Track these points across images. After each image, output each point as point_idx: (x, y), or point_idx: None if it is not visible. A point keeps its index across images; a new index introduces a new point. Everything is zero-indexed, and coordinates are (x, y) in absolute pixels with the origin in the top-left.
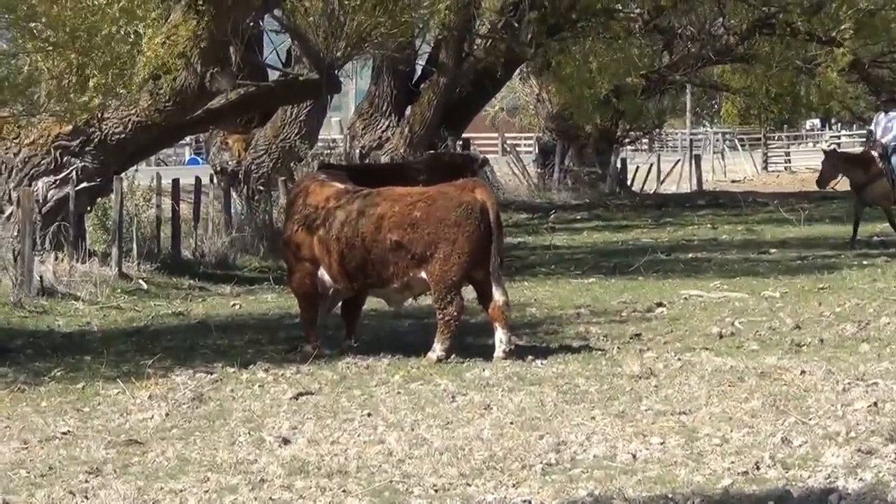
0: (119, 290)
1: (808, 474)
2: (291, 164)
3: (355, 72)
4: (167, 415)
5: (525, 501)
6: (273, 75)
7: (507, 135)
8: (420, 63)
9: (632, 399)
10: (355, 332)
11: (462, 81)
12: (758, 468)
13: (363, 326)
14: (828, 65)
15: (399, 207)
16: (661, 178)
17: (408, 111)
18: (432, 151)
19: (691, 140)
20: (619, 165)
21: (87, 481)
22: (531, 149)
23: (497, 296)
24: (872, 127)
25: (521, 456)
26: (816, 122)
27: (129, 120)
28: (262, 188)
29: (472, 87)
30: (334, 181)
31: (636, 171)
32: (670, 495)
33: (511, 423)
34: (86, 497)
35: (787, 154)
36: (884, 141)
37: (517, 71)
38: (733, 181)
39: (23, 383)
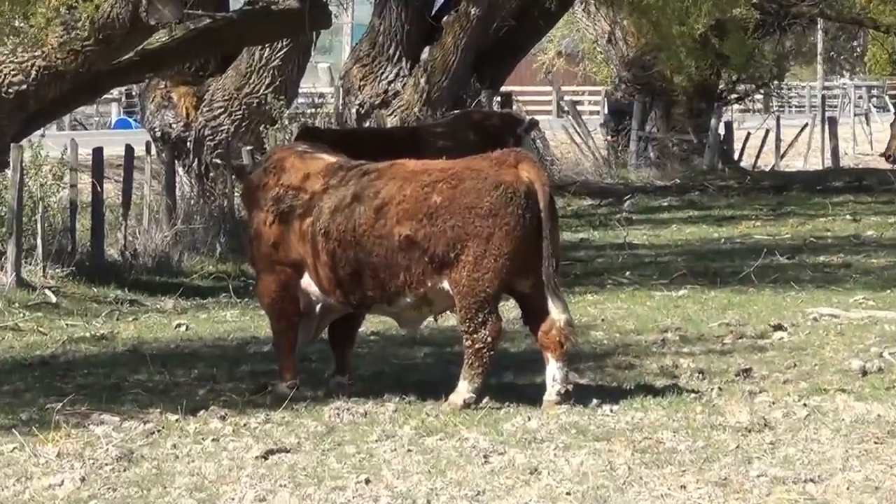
0: (17, 304)
1: None
2: (261, 129)
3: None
4: (83, 480)
5: None
6: (236, 3)
7: (564, 88)
8: None
9: (738, 461)
10: (348, 365)
11: (501, 12)
12: None
13: (360, 357)
14: None
15: (411, 190)
16: (782, 151)
17: (425, 54)
18: (459, 111)
19: (824, 97)
20: (722, 132)
21: None
22: (598, 108)
23: (555, 314)
24: None
25: None
26: None
27: (33, 65)
28: (219, 161)
29: (515, 22)
30: (320, 153)
31: (746, 139)
32: None
33: (567, 493)
34: None
35: None
36: None
37: None
38: (883, 155)
39: None
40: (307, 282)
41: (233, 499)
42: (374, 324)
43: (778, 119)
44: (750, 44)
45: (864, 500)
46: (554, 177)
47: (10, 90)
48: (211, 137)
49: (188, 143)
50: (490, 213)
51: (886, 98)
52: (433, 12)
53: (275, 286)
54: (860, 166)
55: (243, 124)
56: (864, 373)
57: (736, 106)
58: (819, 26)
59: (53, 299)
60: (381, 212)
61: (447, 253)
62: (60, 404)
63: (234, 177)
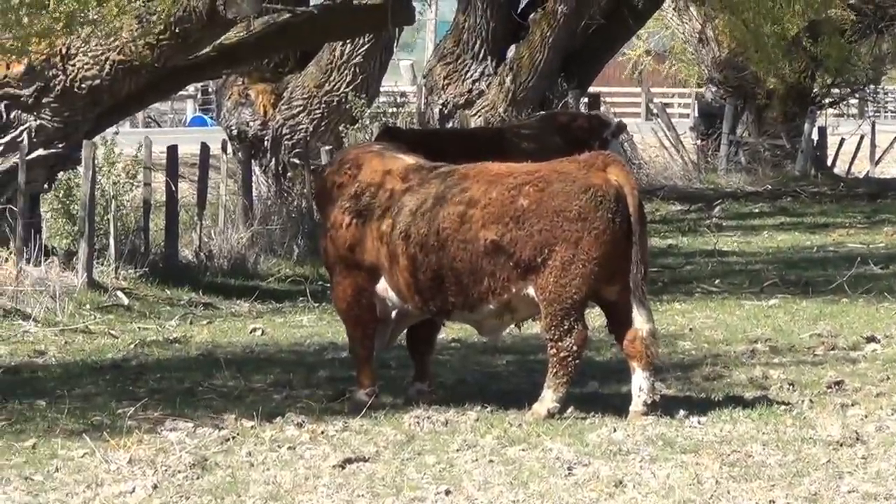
0: (88, 306)
1: None
2: (341, 128)
3: None
4: (155, 487)
5: None
6: None
7: (653, 90)
8: None
9: (829, 476)
10: (428, 372)
11: (590, 10)
12: None
13: (440, 365)
14: None
15: (497, 193)
16: (877, 157)
17: (510, 53)
18: (545, 112)
19: None
20: (815, 137)
21: None
22: (689, 111)
23: (639, 323)
24: None
25: None
26: None
27: (107, 59)
28: (297, 161)
29: (604, 20)
30: (399, 153)
31: (840, 145)
32: None
33: None
34: None
35: None
36: None
37: None
38: None
39: None
40: (384, 287)
41: None
42: (454, 331)
43: (873, 124)
44: (845, 46)
45: None
46: (642, 181)
47: (84, 85)
48: (289, 136)
49: (265, 142)
50: (579, 217)
51: None
52: (519, 9)
53: (351, 291)
54: None
55: (322, 123)
56: None
57: (830, 110)
58: None
59: (125, 301)
60: (465, 215)
61: (534, 258)
62: (132, 409)
63: (312, 177)
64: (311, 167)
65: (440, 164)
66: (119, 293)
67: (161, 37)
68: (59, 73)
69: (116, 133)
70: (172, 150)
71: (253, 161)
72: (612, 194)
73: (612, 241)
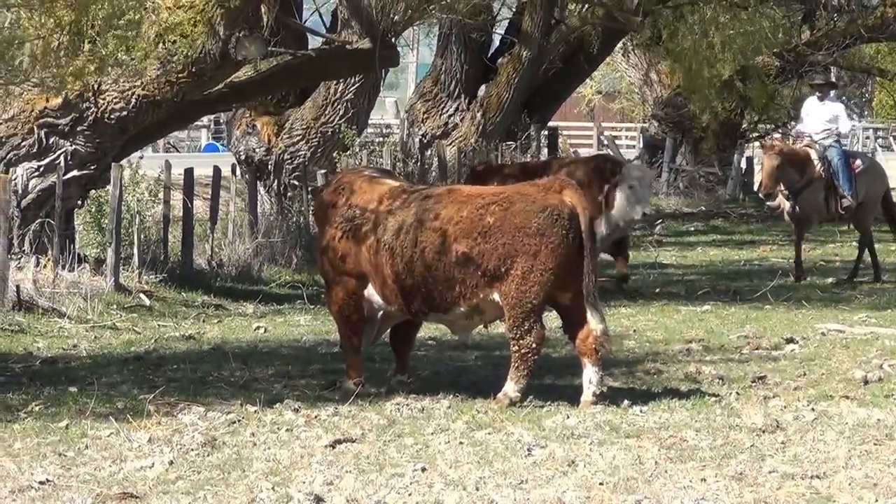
0: (115, 306)
1: None
2: (335, 155)
3: (417, 41)
4: (171, 463)
5: None
6: (314, 42)
7: (604, 125)
8: (498, 32)
9: (753, 458)
10: (408, 366)
11: (550, 56)
12: None
13: (418, 359)
14: None
15: (467, 212)
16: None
17: (481, 91)
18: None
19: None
20: (743, 165)
21: None
22: (635, 143)
23: (592, 324)
24: (803, 116)
25: None
26: None
27: (133, 94)
28: (296, 183)
29: (562, 64)
30: (385, 177)
31: None
32: None
33: (601, 483)
34: None
35: None
36: (815, 135)
37: (619, 45)
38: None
39: None
40: (371, 291)
41: (304, 482)
42: (430, 330)
43: None
44: (770, 88)
45: (863, 496)
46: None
47: (112, 116)
48: (290, 161)
49: (269, 166)
50: (537, 233)
51: (891, 139)
52: (489, 54)
53: (342, 295)
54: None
55: (319, 150)
56: (866, 382)
57: (756, 143)
58: (832, 74)
59: (147, 302)
60: (440, 231)
61: (499, 268)
62: (152, 395)
63: (310, 196)
64: (309, 188)
65: (421, 186)
66: (142, 295)
67: (180, 75)
68: (92, 105)
69: (141, 157)
70: (189, 173)
71: (258, 182)
72: (566, 213)
73: (566, 253)
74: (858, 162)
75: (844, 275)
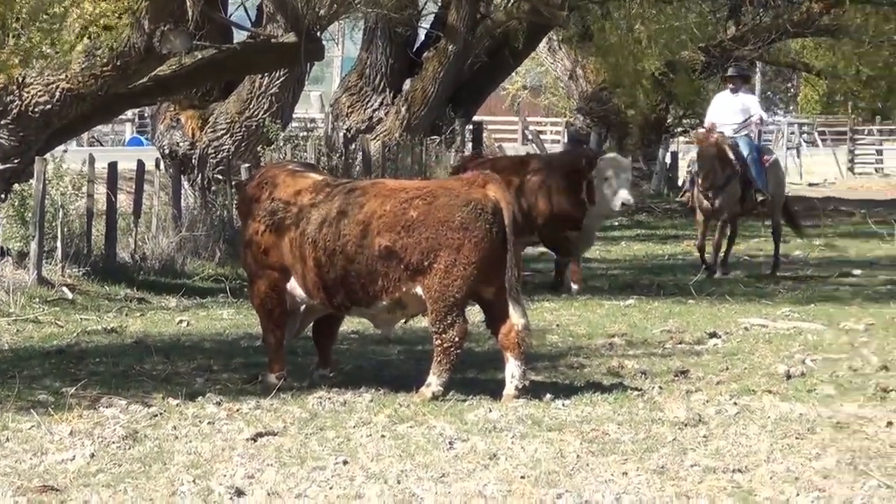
0: (37, 300)
1: None
2: (259, 149)
3: (342, 35)
4: (92, 456)
5: None
6: (239, 36)
7: (529, 119)
8: (423, 26)
9: (675, 452)
10: (331, 359)
11: (475, 51)
12: None
13: (340, 353)
14: None
15: (391, 206)
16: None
17: (406, 85)
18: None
19: (760, 132)
20: (668, 161)
21: None
22: (559, 137)
23: (514, 318)
24: (715, 109)
25: None
26: None
27: (57, 87)
28: (220, 177)
29: (487, 59)
30: (309, 171)
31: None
32: None
33: (522, 477)
34: None
35: (879, 153)
36: (727, 129)
37: (545, 40)
38: (810, 184)
39: None
40: (293, 285)
41: (225, 475)
42: (353, 324)
43: None
44: (696, 83)
45: (785, 489)
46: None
47: (37, 109)
48: (213, 155)
49: (193, 160)
50: (461, 227)
51: (816, 135)
52: (415, 48)
53: (265, 289)
54: (790, 194)
55: (243, 144)
56: (789, 376)
57: (681, 138)
58: (758, 69)
59: (70, 296)
60: (364, 224)
61: (422, 262)
62: (74, 388)
63: (234, 190)
64: (233, 182)
65: (344, 180)
66: (64, 289)
67: (104, 69)
68: (16, 98)
69: (65, 151)
70: (113, 166)
71: (182, 176)
72: (490, 208)
73: (489, 248)
74: (766, 157)
75: (769, 270)
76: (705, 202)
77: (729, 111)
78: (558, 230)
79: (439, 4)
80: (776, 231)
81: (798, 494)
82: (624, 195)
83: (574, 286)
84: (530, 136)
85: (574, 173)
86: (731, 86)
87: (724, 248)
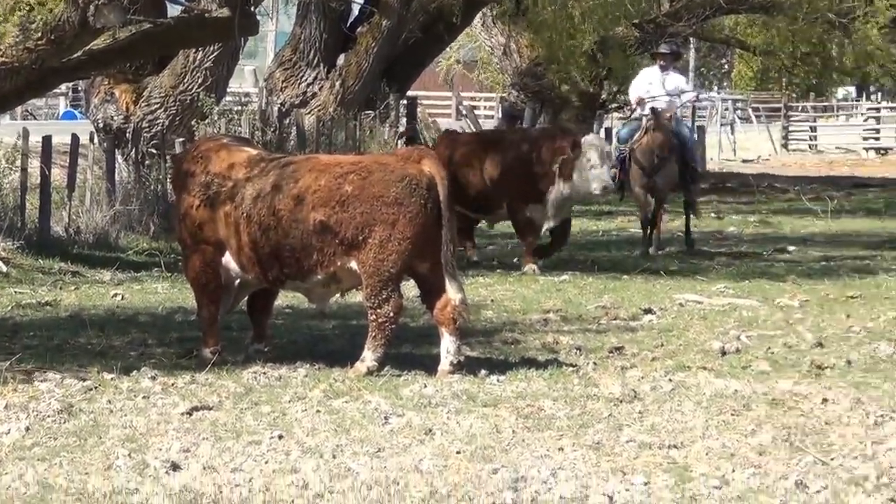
0: None
1: None
2: (193, 123)
3: (276, 10)
4: (27, 430)
5: None
6: (173, 11)
7: (463, 94)
8: (357, 1)
9: (610, 427)
10: (265, 334)
11: (410, 25)
12: None
13: (275, 328)
14: (867, 19)
15: (325, 180)
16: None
17: (340, 60)
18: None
19: (694, 108)
20: (603, 136)
21: None
22: (493, 113)
23: (451, 293)
24: (639, 85)
25: (470, 494)
26: (851, 90)
27: None
28: (154, 151)
29: (421, 34)
30: (244, 146)
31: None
32: None
33: (458, 452)
34: None
35: (813, 129)
36: (659, 105)
37: (479, 15)
38: (744, 161)
39: None
40: (228, 259)
41: (160, 449)
42: (288, 298)
43: None
44: (630, 59)
45: (720, 465)
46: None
47: None
48: (148, 129)
49: (127, 134)
50: (396, 202)
51: (750, 111)
52: (349, 23)
53: (199, 263)
54: (724, 170)
55: (177, 118)
56: (724, 353)
57: (616, 114)
58: (692, 45)
59: (4, 269)
60: (298, 199)
61: (356, 236)
62: (8, 363)
63: (169, 164)
64: (167, 156)
65: (279, 155)
66: None
67: (39, 42)
68: None
69: None
70: (47, 140)
71: (116, 150)
72: (424, 183)
73: (424, 223)
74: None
75: (704, 246)
76: (644, 179)
77: (660, 89)
78: (522, 208)
79: None
80: (692, 206)
81: (734, 471)
82: (605, 178)
83: (528, 266)
84: (464, 112)
85: (551, 149)
86: (661, 62)
87: (659, 226)
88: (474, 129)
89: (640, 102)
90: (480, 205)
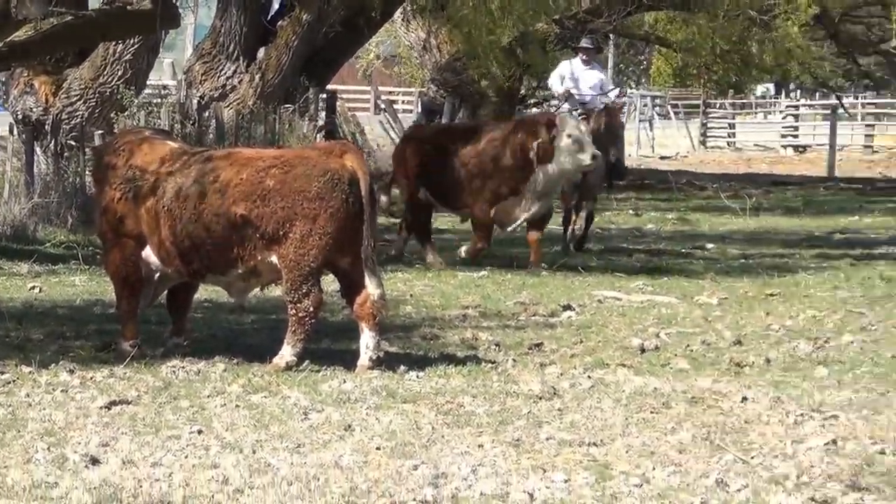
0: None
1: None
2: (112, 115)
3: (196, 2)
4: None
5: None
6: (94, 3)
7: (381, 88)
8: None
9: (529, 424)
10: (185, 328)
11: (330, 20)
12: None
13: (194, 321)
14: (788, 16)
15: (247, 174)
16: None
17: (260, 54)
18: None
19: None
20: None
21: None
22: (412, 107)
23: (370, 289)
24: (557, 79)
25: (390, 490)
26: (770, 87)
27: None
28: (74, 143)
29: (341, 28)
30: (167, 139)
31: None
32: None
33: (377, 448)
34: None
35: (732, 126)
36: (586, 101)
37: (399, 10)
38: (662, 157)
39: None
40: (148, 253)
41: (79, 443)
42: (207, 292)
43: None
44: (549, 55)
45: (640, 463)
46: (371, 167)
47: None
48: (67, 121)
49: (46, 126)
50: (317, 197)
51: (669, 108)
52: (269, 17)
53: (119, 256)
54: (642, 167)
55: (97, 111)
56: (643, 350)
57: (535, 109)
58: (611, 41)
59: None
60: (220, 193)
61: (277, 231)
62: None
63: (88, 157)
64: (86, 148)
65: (200, 148)
66: None
67: None
68: None
69: None
70: None
71: (35, 142)
72: (346, 178)
73: (345, 218)
74: None
75: (623, 243)
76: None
77: (586, 84)
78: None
79: None
80: (594, 205)
81: (654, 468)
82: (592, 149)
83: (464, 253)
84: (382, 106)
85: (530, 136)
86: (583, 56)
87: (580, 225)
88: (393, 124)
89: (568, 96)
90: (449, 197)
